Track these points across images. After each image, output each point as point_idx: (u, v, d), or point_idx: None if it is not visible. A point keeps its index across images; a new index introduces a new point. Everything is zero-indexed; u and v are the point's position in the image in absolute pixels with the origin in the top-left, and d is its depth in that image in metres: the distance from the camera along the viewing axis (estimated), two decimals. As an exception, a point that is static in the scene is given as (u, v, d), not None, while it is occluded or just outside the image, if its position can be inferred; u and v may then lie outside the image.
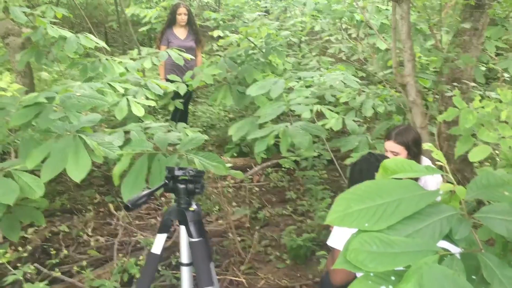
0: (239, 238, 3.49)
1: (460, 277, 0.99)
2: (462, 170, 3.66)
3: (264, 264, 3.30)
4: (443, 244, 1.09)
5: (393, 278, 1.05)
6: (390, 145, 2.69)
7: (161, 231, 1.86)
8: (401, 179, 1.19)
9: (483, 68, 4.22)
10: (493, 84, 4.48)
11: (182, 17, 5.72)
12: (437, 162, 1.25)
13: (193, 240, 1.77)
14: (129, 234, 3.66)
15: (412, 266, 1.01)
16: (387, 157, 2.37)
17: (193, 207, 1.83)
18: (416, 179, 2.73)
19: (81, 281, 2.83)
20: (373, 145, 3.99)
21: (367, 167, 2.16)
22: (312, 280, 3.05)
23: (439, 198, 1.20)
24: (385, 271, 1.04)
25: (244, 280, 3.01)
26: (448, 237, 1.10)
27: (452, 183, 1.13)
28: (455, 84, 3.30)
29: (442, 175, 2.02)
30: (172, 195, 1.91)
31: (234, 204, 4.19)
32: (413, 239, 1.08)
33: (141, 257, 2.96)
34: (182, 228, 1.83)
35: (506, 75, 4.28)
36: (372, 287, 1.06)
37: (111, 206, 4.10)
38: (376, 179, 1.24)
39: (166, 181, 1.79)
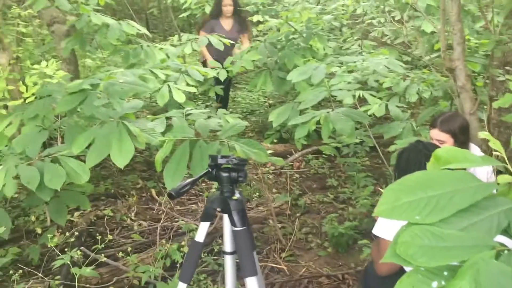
0: (279, 225, 3.47)
1: (519, 274, 0.93)
2: (514, 159, 3.50)
3: (305, 251, 3.27)
4: (501, 239, 1.03)
5: (445, 273, 1.01)
6: (436, 133, 2.60)
7: (204, 219, 1.86)
8: (453, 169, 1.14)
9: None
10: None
11: (227, 8, 5.51)
12: (494, 152, 1.18)
13: (237, 229, 1.76)
14: (171, 219, 3.72)
15: (467, 261, 0.96)
16: (436, 146, 2.29)
17: (236, 195, 1.82)
18: (464, 169, 2.64)
19: (125, 265, 2.90)
20: (417, 132, 3.87)
21: (415, 156, 2.09)
22: (354, 269, 3.01)
23: (495, 191, 1.14)
24: (437, 266, 1.00)
25: (285, 268, 3.00)
26: (506, 232, 1.04)
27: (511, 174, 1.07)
28: (508, 68, 3.14)
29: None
30: (214, 182, 1.90)
31: (274, 190, 4.18)
32: (468, 233, 1.03)
33: (183, 242, 2.99)
34: (225, 217, 1.82)
35: None
36: (423, 282, 1.02)
37: (153, 191, 4.17)
38: (427, 168, 1.19)
39: (209, 169, 1.78)
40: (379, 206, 1.07)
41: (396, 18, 5.89)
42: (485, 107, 3.76)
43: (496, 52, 3.02)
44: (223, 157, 1.77)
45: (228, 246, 1.86)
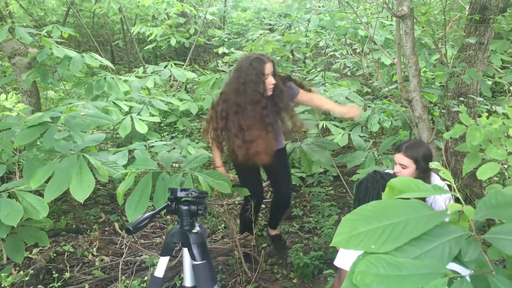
0: (245, 257, 3.44)
1: (471, 301, 0.95)
2: (471, 186, 3.61)
3: (270, 283, 3.24)
4: (452, 266, 1.06)
5: (401, 301, 1.02)
6: (400, 158, 2.69)
7: (163, 254, 1.83)
8: (408, 198, 1.17)
9: (489, 82, 4.21)
10: (499, 98, 4.45)
11: (270, 80, 2.93)
12: (445, 181, 1.22)
13: (197, 262, 1.74)
14: (134, 253, 3.63)
15: (421, 289, 0.97)
16: (392, 176, 2.34)
17: (196, 229, 1.81)
18: (425, 197, 2.72)
19: (85, 303, 2.80)
20: (379, 161, 3.96)
21: (373, 186, 2.14)
22: (320, 300, 3.00)
23: (447, 219, 1.17)
24: (393, 295, 1.01)
25: (250, 300, 2.96)
26: (457, 259, 1.07)
27: (460, 203, 1.10)
28: (461, 98, 3.27)
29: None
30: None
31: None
32: (421, 261, 1.05)
33: (146, 277, 2.93)
34: (185, 251, 1.80)
35: (511, 88, 4.25)
36: (379, 311, 1.02)
37: (116, 225, 4.08)
38: (382, 198, 1.22)
39: (169, 202, 1.77)
40: (336, 236, 1.08)
41: (357, 51, 6.09)
42: (442, 136, 3.88)
43: (450, 83, 3.15)
44: (182, 190, 1.76)
45: (188, 280, 1.83)
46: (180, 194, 1.75)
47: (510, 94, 4.31)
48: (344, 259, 1.95)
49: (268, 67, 2.88)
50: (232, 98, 2.92)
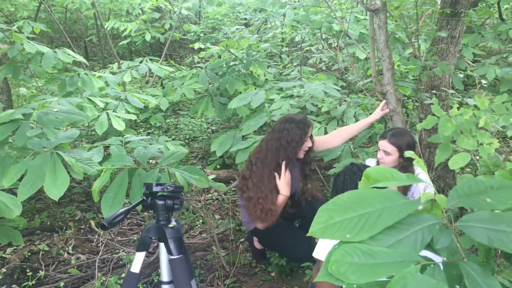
0: (223, 252, 3.44)
1: (443, 286, 0.97)
2: (444, 177, 3.67)
3: (249, 277, 3.25)
4: (426, 253, 1.08)
5: (376, 289, 1.04)
6: (384, 144, 2.74)
7: (139, 249, 1.82)
8: (385, 187, 1.19)
9: (461, 75, 4.28)
10: (471, 91, 4.54)
11: (308, 143, 3.04)
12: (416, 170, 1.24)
13: (173, 257, 1.73)
14: (111, 250, 3.60)
15: (394, 276, 0.99)
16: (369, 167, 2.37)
17: (173, 223, 1.80)
18: (407, 186, 2.77)
19: (61, 301, 2.76)
20: (355, 154, 4.00)
21: (350, 177, 2.16)
22: (298, 292, 3.03)
23: (421, 207, 1.19)
24: (368, 282, 1.02)
25: (229, 294, 2.96)
26: (430, 247, 1.09)
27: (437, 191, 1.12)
28: (434, 91, 3.33)
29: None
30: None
31: (218, 216, 4.15)
32: (395, 249, 1.06)
33: (123, 275, 2.90)
34: (162, 246, 1.79)
35: (483, 81, 4.34)
36: (354, 299, 1.04)
37: (92, 222, 4.03)
38: (358, 188, 1.23)
39: (144, 197, 1.75)
40: (313, 226, 1.09)
41: (333, 46, 6.13)
42: (416, 129, 3.94)
43: (422, 77, 3.19)
44: (158, 185, 1.75)
45: (165, 275, 1.82)
46: (155, 188, 1.74)
47: (479, 86, 4.39)
48: (323, 251, 1.96)
49: (311, 131, 3.01)
50: (272, 157, 2.92)
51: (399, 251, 1.05)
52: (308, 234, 1.10)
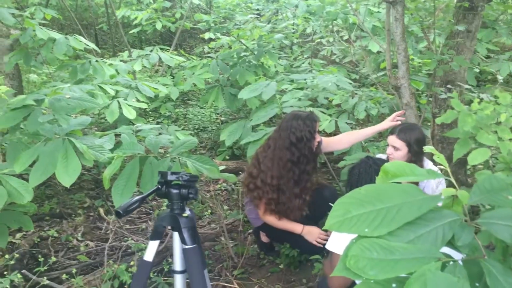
0: (231, 242, 3.44)
1: (464, 284, 0.96)
2: (456, 173, 3.64)
3: (257, 268, 3.25)
4: (445, 250, 1.06)
5: (394, 285, 1.02)
6: (392, 140, 2.73)
7: (153, 238, 1.81)
8: (400, 183, 1.17)
9: (477, 70, 4.24)
10: (486, 86, 4.49)
11: (317, 138, 3.04)
12: (438, 166, 1.22)
13: (187, 247, 1.73)
14: (120, 238, 3.61)
15: (414, 273, 0.97)
16: (385, 161, 2.35)
17: (187, 212, 1.79)
18: (417, 181, 2.74)
19: (70, 288, 2.78)
20: (366, 148, 3.97)
21: (365, 171, 2.15)
22: (306, 285, 3.01)
23: (440, 203, 1.17)
24: (386, 279, 1.01)
25: (237, 286, 2.96)
26: (450, 243, 1.07)
27: (454, 187, 1.10)
28: (448, 86, 3.29)
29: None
30: (164, 200, 1.86)
31: (226, 207, 4.15)
32: (415, 245, 1.05)
33: (132, 262, 2.90)
34: (175, 235, 1.78)
35: (499, 77, 4.29)
36: (372, 294, 1.02)
37: (101, 210, 4.05)
38: (376, 182, 1.21)
39: (159, 186, 1.75)
40: (329, 219, 1.08)
41: (344, 38, 6.07)
42: (428, 124, 3.91)
43: (438, 71, 3.15)
44: (173, 173, 1.74)
45: (178, 264, 1.82)
46: (170, 177, 1.73)
47: (498, 83, 4.34)
48: (336, 243, 1.95)
49: (318, 125, 3.03)
50: (283, 156, 2.94)
51: (419, 247, 1.03)
52: (324, 227, 1.08)
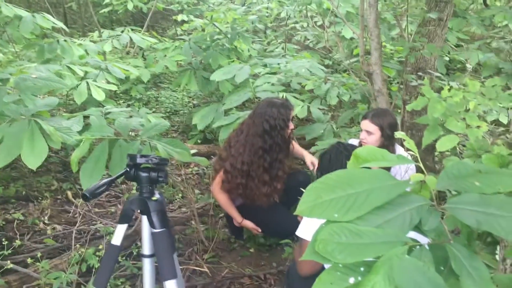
0: (202, 226, 3.43)
1: (429, 268, 0.97)
2: (424, 159, 3.71)
3: (228, 252, 3.26)
4: (412, 234, 1.07)
5: (362, 269, 1.03)
6: (366, 124, 2.76)
7: (121, 221, 1.78)
8: (370, 168, 1.17)
9: (447, 59, 4.30)
10: (455, 74, 4.57)
11: (291, 126, 3.06)
12: (408, 151, 1.23)
13: (156, 230, 1.70)
14: (88, 222, 3.55)
15: (381, 257, 0.98)
16: (356, 147, 2.37)
17: (156, 196, 1.76)
18: (389, 167, 2.79)
19: (36, 272, 2.72)
20: (337, 133, 4.00)
21: (336, 156, 2.16)
22: (276, 269, 3.04)
23: (409, 188, 1.18)
24: (355, 262, 1.02)
25: (207, 269, 2.96)
26: (417, 228, 1.09)
27: (423, 173, 1.12)
28: (420, 73, 3.33)
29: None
30: (134, 183, 1.83)
31: (197, 191, 4.13)
32: (383, 230, 1.06)
33: (100, 246, 2.86)
34: (144, 218, 1.75)
35: (468, 65, 4.37)
36: (340, 278, 1.03)
37: (69, 193, 3.97)
38: (347, 167, 1.22)
39: (128, 169, 1.71)
40: (300, 205, 1.07)
41: (318, 24, 6.07)
42: (399, 110, 3.96)
43: (410, 58, 3.19)
44: (142, 156, 1.70)
45: (146, 248, 1.79)
46: (139, 160, 1.69)
47: (468, 71, 4.42)
48: (307, 229, 1.96)
49: (292, 114, 3.04)
50: (256, 143, 2.94)
51: (387, 232, 1.04)
52: (295, 213, 1.08)
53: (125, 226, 1.78)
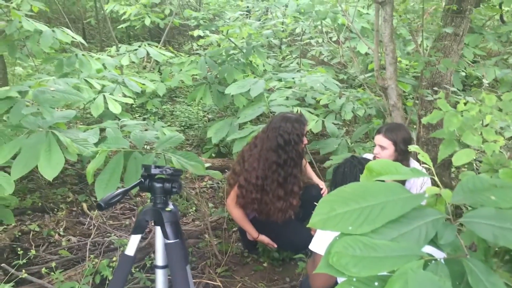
0: (215, 240, 3.42)
1: (445, 283, 0.95)
2: (440, 175, 3.67)
3: (241, 266, 3.24)
4: (428, 249, 1.06)
5: (376, 283, 1.02)
6: (379, 139, 2.75)
7: (135, 232, 1.79)
8: (383, 181, 1.16)
9: (463, 74, 4.27)
10: (472, 89, 4.53)
11: (304, 141, 3.04)
12: (423, 165, 1.22)
13: (169, 241, 1.71)
14: (102, 234, 3.57)
15: (396, 271, 0.97)
16: (370, 160, 2.36)
17: (170, 207, 1.77)
18: (404, 180, 2.77)
19: (50, 283, 2.73)
20: (352, 148, 3.98)
21: (350, 170, 2.14)
22: (290, 284, 3.01)
23: (424, 202, 1.17)
24: (369, 276, 1.00)
25: (220, 284, 2.94)
26: (433, 242, 1.07)
27: (438, 186, 1.10)
28: (435, 88, 3.31)
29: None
30: (148, 195, 1.83)
31: (211, 205, 4.13)
32: (398, 243, 1.04)
33: (114, 258, 2.87)
34: (158, 229, 1.76)
35: (484, 81, 4.33)
36: (354, 293, 1.02)
37: (84, 205, 4.00)
38: (360, 181, 1.21)
39: (142, 179, 1.72)
40: (313, 217, 1.07)
41: (333, 39, 6.09)
42: (414, 126, 3.93)
43: (425, 73, 3.17)
44: (156, 167, 1.71)
45: (160, 259, 1.79)
46: (154, 171, 1.70)
47: (483, 87, 4.38)
48: (319, 243, 1.94)
49: (307, 128, 3.03)
50: (270, 157, 2.93)
51: (402, 245, 1.02)
52: (308, 225, 1.07)
53: (138, 236, 1.78)
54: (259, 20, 7.48)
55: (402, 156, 2.72)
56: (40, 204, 3.93)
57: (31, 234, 3.47)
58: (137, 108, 6.57)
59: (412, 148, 1.28)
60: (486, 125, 1.53)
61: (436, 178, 1.13)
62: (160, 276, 1.80)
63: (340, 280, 2.02)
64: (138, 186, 1.72)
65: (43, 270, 2.74)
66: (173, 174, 1.71)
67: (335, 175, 2.22)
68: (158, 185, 1.72)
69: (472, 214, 1.07)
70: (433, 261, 1.01)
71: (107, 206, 1.51)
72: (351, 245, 1.02)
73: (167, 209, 1.75)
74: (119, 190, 1.59)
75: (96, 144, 2.81)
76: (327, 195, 1.11)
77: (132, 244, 1.77)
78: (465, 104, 1.63)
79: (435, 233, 1.05)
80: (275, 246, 3.09)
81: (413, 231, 1.05)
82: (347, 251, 1.02)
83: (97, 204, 1.52)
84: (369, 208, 1.07)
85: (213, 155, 5.16)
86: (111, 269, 2.75)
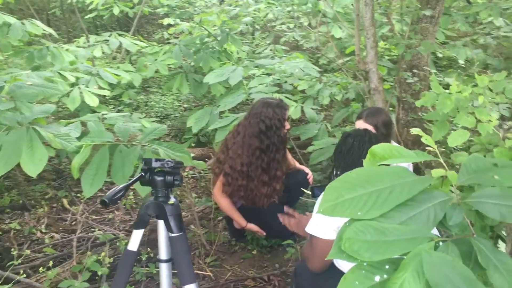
0: (202, 230, 3.41)
1: (457, 263, 0.98)
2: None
3: (229, 255, 3.25)
4: (433, 231, 1.08)
5: (387, 266, 1.03)
6: (360, 124, 2.78)
7: (137, 227, 1.76)
8: (388, 165, 1.18)
9: (440, 55, 4.35)
10: (449, 71, 4.63)
11: (286, 125, 3.07)
12: (427, 147, 1.24)
13: (174, 235, 1.69)
14: (86, 229, 3.51)
15: (409, 253, 0.98)
16: (380, 141, 2.35)
17: (172, 200, 1.75)
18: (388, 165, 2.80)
19: (39, 281, 2.68)
20: (332, 133, 4.02)
21: (358, 146, 2.07)
22: (280, 270, 3.03)
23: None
24: (380, 260, 1.02)
25: (210, 273, 2.94)
26: (442, 223, 1.09)
27: (444, 168, 1.12)
28: (414, 71, 3.36)
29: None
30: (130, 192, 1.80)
31: (194, 195, 4.11)
32: (407, 226, 1.06)
33: (102, 253, 2.83)
34: (161, 223, 1.74)
35: (460, 61, 4.43)
36: (366, 277, 1.03)
37: (65, 201, 3.92)
38: (363, 165, 1.22)
39: (143, 173, 1.70)
40: (322, 204, 1.07)
41: (304, 24, 6.08)
42: (391, 109, 3.99)
43: (406, 55, 3.21)
44: (157, 160, 1.69)
45: (163, 253, 1.77)
46: (155, 164, 1.68)
47: (473, 68, 4.46)
48: (317, 226, 1.94)
49: (288, 113, 3.05)
50: (253, 144, 2.94)
51: (411, 228, 1.04)
52: (317, 212, 1.07)
53: (141, 231, 1.76)
54: (230, 6, 7.42)
55: (384, 139, 2.75)
56: (21, 201, 3.83)
57: (12, 233, 3.39)
58: (110, 100, 6.45)
59: (415, 131, 1.30)
60: (478, 106, 1.57)
61: (441, 160, 1.15)
62: (164, 270, 1.78)
63: (336, 261, 2.05)
64: (139, 180, 1.70)
65: (29, 269, 2.68)
66: (174, 167, 1.69)
67: (343, 143, 2.13)
68: (159, 178, 1.70)
69: (478, 194, 1.10)
70: (441, 242, 1.03)
71: (111, 202, 1.48)
72: (362, 231, 1.03)
73: (170, 202, 1.73)
74: (121, 186, 1.56)
75: (78, 139, 2.75)
76: (333, 181, 1.12)
77: (135, 239, 1.74)
78: (451, 86, 1.66)
79: (443, 215, 1.07)
80: (264, 233, 3.11)
81: (422, 213, 1.07)
82: (358, 236, 1.03)
83: (101, 201, 1.49)
84: (376, 192, 1.08)
85: (193, 144, 5.12)
86: (101, 265, 2.71)
